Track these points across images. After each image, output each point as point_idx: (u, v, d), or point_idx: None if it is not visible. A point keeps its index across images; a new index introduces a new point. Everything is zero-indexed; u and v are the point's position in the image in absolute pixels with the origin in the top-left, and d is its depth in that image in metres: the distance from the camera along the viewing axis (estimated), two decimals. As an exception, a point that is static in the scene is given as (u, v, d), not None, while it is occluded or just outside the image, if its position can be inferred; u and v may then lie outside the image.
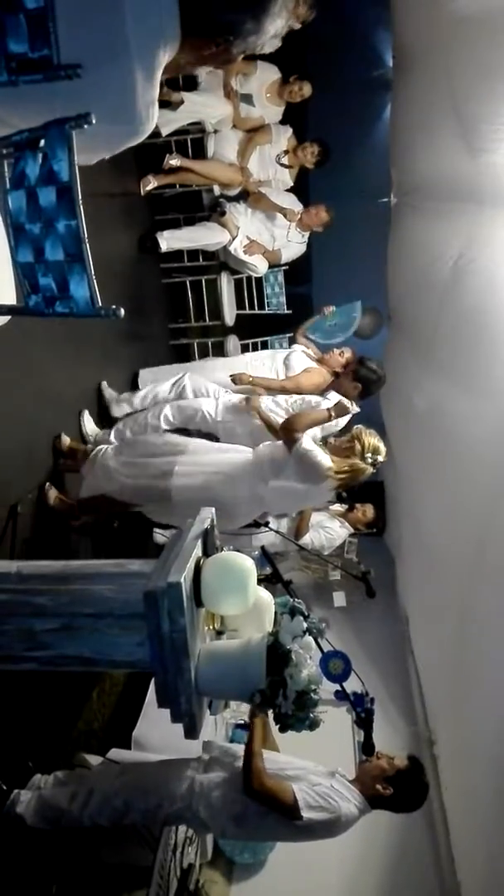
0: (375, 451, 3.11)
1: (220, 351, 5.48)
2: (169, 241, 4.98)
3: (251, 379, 4.05)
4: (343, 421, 3.90)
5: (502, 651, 3.04)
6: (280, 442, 3.23)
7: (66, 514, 3.26)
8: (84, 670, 1.96)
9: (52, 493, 3.25)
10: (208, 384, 4.12)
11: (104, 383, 4.11)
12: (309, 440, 3.18)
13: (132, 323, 4.67)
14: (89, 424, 3.86)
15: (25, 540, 3.00)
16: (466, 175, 3.69)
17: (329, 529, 4.84)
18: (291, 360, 4.36)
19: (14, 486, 3.03)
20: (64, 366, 3.55)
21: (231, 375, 4.07)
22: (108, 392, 4.11)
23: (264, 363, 4.44)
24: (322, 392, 4.06)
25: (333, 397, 3.99)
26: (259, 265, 5.28)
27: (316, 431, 3.64)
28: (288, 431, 3.17)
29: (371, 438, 3.13)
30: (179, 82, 4.72)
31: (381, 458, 3.13)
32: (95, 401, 4.05)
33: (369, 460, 3.10)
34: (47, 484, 3.24)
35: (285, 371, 4.34)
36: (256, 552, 3.35)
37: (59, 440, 3.50)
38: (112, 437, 3.72)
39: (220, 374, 4.27)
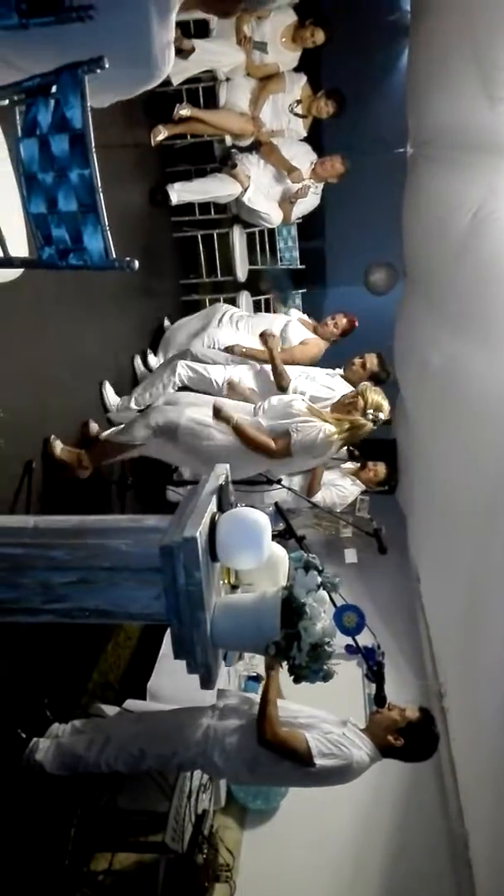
0: (378, 409, 3.14)
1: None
2: (180, 193, 4.90)
3: (244, 350, 4.02)
4: (339, 393, 3.87)
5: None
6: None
7: (72, 466, 3.26)
8: (101, 622, 1.99)
9: (58, 445, 3.23)
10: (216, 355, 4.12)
11: (107, 384, 4.00)
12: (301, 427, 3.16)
13: (143, 278, 4.62)
14: (111, 395, 3.90)
15: (41, 496, 3.02)
16: (486, 124, 3.58)
17: (341, 487, 4.85)
18: (288, 331, 4.32)
19: (29, 442, 3.04)
20: (75, 321, 3.53)
21: (226, 348, 4.06)
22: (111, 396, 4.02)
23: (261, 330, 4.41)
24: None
25: (338, 382, 3.97)
26: (273, 215, 5.16)
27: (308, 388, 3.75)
28: (269, 453, 3.15)
29: (375, 396, 3.16)
30: (191, 29, 4.59)
31: (382, 416, 3.15)
32: (107, 358, 4.03)
33: (370, 416, 3.12)
34: (52, 436, 3.22)
35: (281, 342, 4.29)
36: (270, 508, 3.36)
37: (88, 427, 3.57)
38: (132, 405, 3.80)
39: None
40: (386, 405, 3.18)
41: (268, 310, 5.66)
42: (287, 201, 5.09)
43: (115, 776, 2.81)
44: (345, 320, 4.33)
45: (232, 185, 4.95)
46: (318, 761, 2.52)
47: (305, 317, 4.63)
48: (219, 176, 5.01)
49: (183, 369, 3.83)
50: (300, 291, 5.83)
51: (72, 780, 2.78)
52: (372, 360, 4.11)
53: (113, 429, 3.58)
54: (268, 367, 3.86)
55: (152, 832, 2.89)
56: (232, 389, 3.75)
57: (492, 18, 3.32)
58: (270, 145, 4.96)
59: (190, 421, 3.20)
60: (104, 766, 2.70)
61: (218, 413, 3.18)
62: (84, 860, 2.89)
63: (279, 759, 2.58)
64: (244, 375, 3.87)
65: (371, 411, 3.12)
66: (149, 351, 4.55)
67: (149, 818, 2.94)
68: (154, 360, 4.50)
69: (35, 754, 2.73)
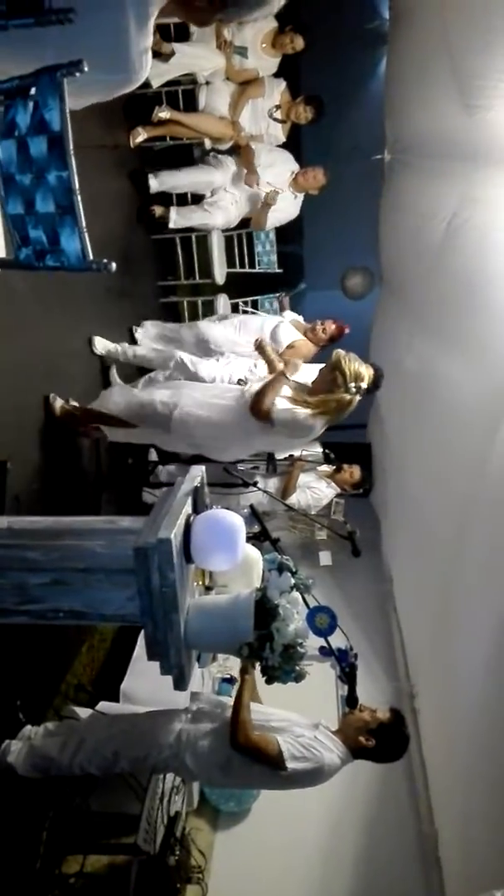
0: (358, 378, 3.08)
1: (210, 310, 5.42)
2: (160, 181, 4.92)
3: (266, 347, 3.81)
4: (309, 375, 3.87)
5: (482, 610, 3.10)
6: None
7: (71, 423, 3.28)
8: (75, 624, 1.99)
9: (58, 403, 3.23)
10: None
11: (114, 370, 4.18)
12: (282, 403, 3.21)
13: (121, 280, 4.61)
14: (100, 344, 4.01)
15: (15, 496, 3.00)
16: (462, 132, 3.64)
17: (316, 490, 4.88)
18: (279, 333, 4.34)
19: (3, 442, 3.02)
20: (52, 322, 3.52)
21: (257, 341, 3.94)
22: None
23: (252, 330, 4.42)
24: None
25: None
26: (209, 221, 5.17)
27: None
28: (259, 414, 3.20)
29: (352, 364, 3.09)
30: (171, 33, 4.59)
31: (364, 385, 3.11)
32: (85, 358, 4.03)
33: (353, 389, 3.08)
34: (52, 395, 3.21)
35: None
36: (245, 510, 3.38)
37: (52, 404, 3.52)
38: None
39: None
40: (364, 370, 3.11)
41: (245, 314, 5.66)
42: (263, 206, 5.08)
43: (88, 778, 2.80)
44: (333, 326, 4.36)
45: (212, 175, 4.96)
46: (290, 765, 2.53)
47: (300, 318, 4.64)
48: (200, 167, 5.02)
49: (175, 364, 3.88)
50: (276, 295, 5.84)
51: (44, 782, 2.77)
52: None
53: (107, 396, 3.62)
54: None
55: (124, 834, 2.88)
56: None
57: (468, 28, 3.37)
58: (247, 147, 4.97)
59: (186, 405, 3.26)
60: (77, 769, 2.70)
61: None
62: (56, 862, 2.87)
63: (251, 762, 2.58)
64: (243, 370, 3.91)
65: (353, 384, 3.07)
66: (135, 328, 4.62)
67: (121, 820, 2.93)
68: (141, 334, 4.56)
69: (7, 756, 2.71)
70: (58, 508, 3.49)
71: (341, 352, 3.15)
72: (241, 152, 5.01)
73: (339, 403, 3.12)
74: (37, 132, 1.52)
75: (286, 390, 3.25)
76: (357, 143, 5.88)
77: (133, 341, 4.57)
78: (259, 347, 3.69)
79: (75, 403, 3.56)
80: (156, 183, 4.89)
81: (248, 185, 4.97)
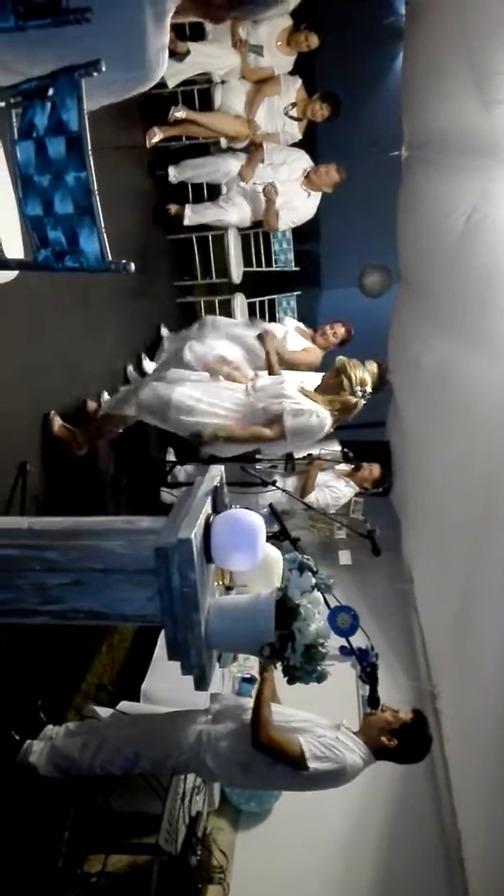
0: (363, 383, 3.20)
1: (226, 309, 5.42)
2: (180, 171, 4.94)
3: (227, 371, 3.62)
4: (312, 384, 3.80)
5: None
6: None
7: (69, 443, 3.27)
8: (95, 624, 1.99)
9: (57, 421, 3.23)
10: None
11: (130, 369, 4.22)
12: (290, 406, 3.20)
13: (138, 280, 4.62)
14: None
15: (35, 497, 3.01)
16: (480, 128, 3.60)
17: (335, 489, 4.86)
18: (286, 342, 4.32)
19: (23, 444, 3.03)
20: (70, 324, 3.53)
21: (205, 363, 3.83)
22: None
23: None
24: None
25: None
26: (224, 217, 5.16)
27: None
28: (265, 440, 3.25)
29: (356, 370, 3.21)
30: (186, 32, 4.60)
31: (369, 388, 3.23)
32: (104, 359, 4.04)
33: (359, 393, 3.20)
34: (52, 412, 3.23)
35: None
36: (265, 510, 3.37)
37: (86, 405, 3.57)
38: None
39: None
40: (367, 376, 3.25)
41: (262, 312, 5.66)
42: (267, 203, 5.03)
43: (109, 778, 2.80)
44: (342, 330, 4.36)
45: (230, 164, 4.95)
46: (312, 765, 2.52)
47: (302, 325, 4.64)
48: (218, 155, 5.02)
49: (189, 355, 3.85)
50: (295, 294, 5.84)
51: (65, 781, 2.78)
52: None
53: (108, 399, 3.67)
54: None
55: (146, 834, 2.89)
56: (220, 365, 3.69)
57: (486, 22, 3.33)
58: (259, 145, 4.96)
59: (181, 397, 3.22)
60: (98, 770, 2.70)
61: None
62: (77, 862, 2.89)
63: (273, 762, 2.58)
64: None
65: (358, 388, 3.19)
66: (144, 356, 4.55)
67: (142, 820, 2.94)
68: (149, 366, 4.49)
69: (29, 756, 2.72)
70: (77, 509, 3.50)
71: (344, 358, 3.30)
72: (251, 149, 5.01)
73: (343, 405, 3.23)
74: (55, 133, 1.52)
75: (291, 389, 3.25)
76: (374, 140, 5.86)
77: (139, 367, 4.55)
78: (261, 339, 3.79)
79: (94, 405, 3.57)
80: (175, 172, 4.91)
81: (241, 176, 4.98)
